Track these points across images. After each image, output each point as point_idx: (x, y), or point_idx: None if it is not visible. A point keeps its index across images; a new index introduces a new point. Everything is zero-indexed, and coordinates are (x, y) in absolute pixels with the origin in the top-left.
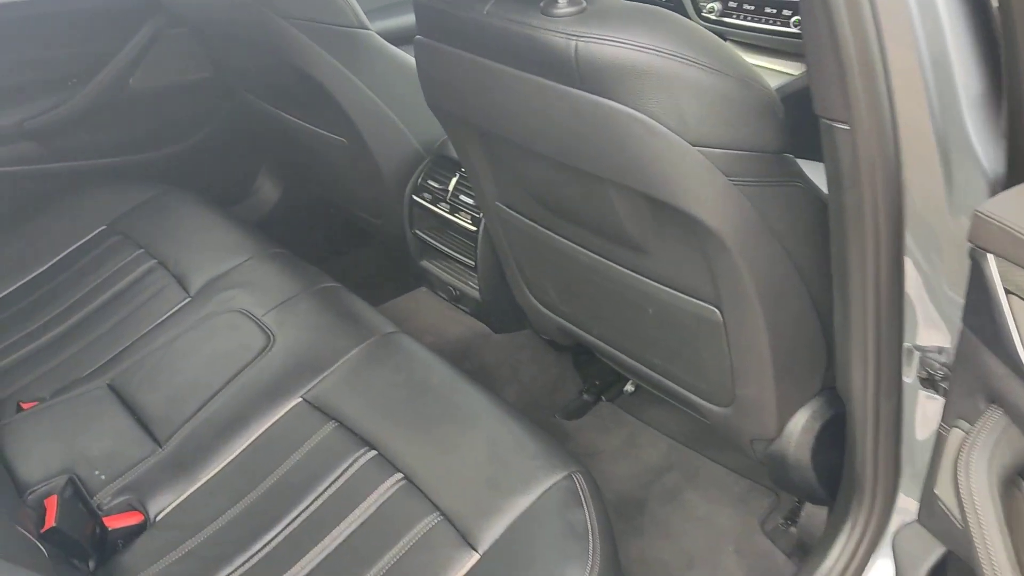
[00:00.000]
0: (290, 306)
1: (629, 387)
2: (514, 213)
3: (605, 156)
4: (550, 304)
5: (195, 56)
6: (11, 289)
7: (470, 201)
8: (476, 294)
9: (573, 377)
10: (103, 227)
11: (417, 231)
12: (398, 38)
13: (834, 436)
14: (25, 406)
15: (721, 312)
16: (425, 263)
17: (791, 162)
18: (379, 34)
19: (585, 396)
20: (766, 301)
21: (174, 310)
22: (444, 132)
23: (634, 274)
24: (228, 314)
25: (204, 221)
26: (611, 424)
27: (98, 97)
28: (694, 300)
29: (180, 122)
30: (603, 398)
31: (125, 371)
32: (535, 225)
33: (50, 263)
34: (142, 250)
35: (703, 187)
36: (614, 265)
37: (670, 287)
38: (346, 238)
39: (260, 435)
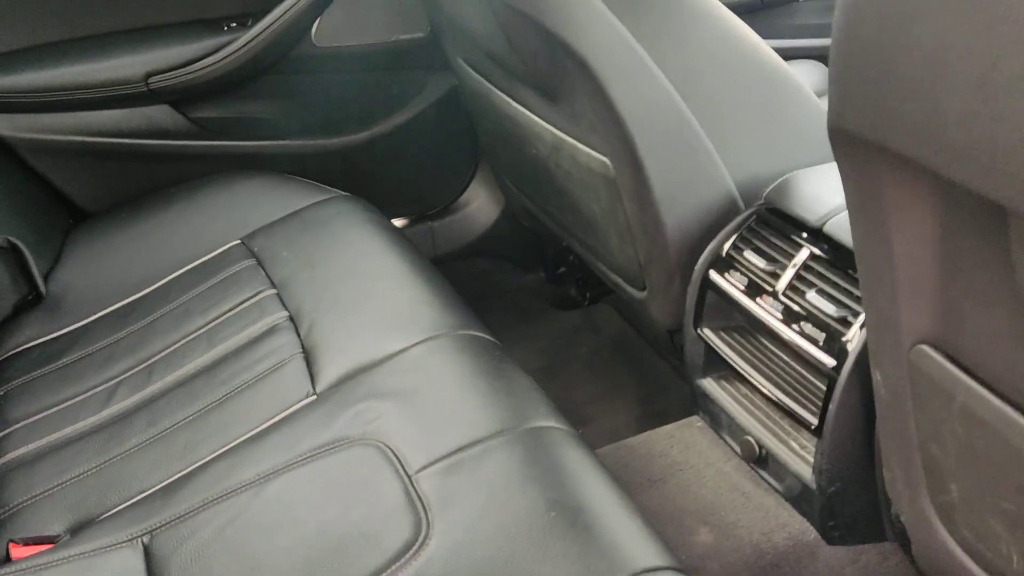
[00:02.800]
0: (473, 461)
1: None
2: (968, 380)
3: None
4: (987, 559)
5: (406, 5)
6: (97, 316)
7: (831, 310)
8: (807, 474)
9: None
10: (235, 242)
11: (706, 329)
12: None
13: None
14: (16, 552)
15: None
16: (709, 383)
17: None
18: None
19: None
20: None
21: (284, 413)
22: (785, 170)
23: None
24: (362, 450)
25: (376, 256)
26: None
27: (263, 52)
28: None
29: (372, 100)
30: None
31: (177, 521)
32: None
33: (155, 285)
34: (274, 291)
35: None
36: None
37: None
38: (582, 289)
39: None
